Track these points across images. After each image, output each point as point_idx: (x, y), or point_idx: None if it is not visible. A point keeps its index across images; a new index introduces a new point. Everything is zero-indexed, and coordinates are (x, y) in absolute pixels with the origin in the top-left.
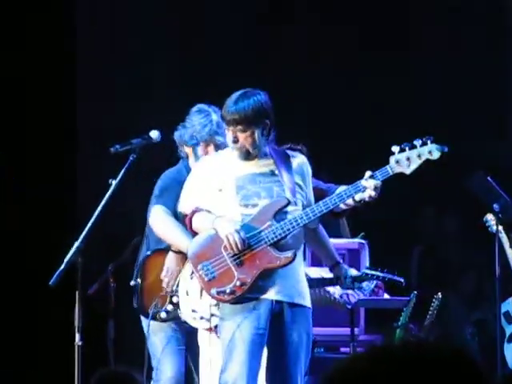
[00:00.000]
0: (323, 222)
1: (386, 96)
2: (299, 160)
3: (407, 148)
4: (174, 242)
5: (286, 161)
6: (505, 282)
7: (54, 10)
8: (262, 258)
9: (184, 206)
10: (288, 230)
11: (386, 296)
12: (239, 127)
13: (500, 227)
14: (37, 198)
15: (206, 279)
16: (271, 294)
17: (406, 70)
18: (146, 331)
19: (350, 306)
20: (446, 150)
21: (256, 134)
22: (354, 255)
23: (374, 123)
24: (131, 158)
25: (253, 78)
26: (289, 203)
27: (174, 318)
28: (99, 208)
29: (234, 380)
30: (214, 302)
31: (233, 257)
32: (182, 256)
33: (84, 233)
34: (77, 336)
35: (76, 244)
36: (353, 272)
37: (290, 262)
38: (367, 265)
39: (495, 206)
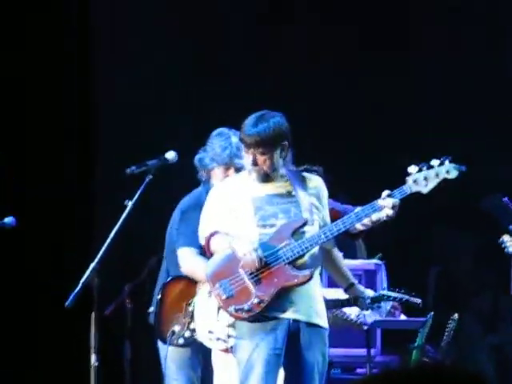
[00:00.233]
0: (340, 244)
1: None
2: (315, 182)
3: (424, 168)
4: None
5: (302, 182)
6: None
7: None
8: (279, 276)
9: (202, 232)
10: (306, 248)
11: (403, 317)
12: (259, 150)
13: None
14: (53, 222)
15: (223, 297)
16: (289, 314)
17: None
18: (162, 356)
19: (366, 327)
20: (464, 169)
21: (275, 156)
22: (370, 276)
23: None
24: (147, 179)
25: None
26: (306, 223)
27: (191, 343)
28: (115, 229)
29: None
30: (231, 322)
31: (250, 275)
32: None
33: (100, 253)
34: (93, 357)
35: (92, 265)
36: (369, 293)
37: (308, 281)
38: (385, 286)
39: (511, 227)
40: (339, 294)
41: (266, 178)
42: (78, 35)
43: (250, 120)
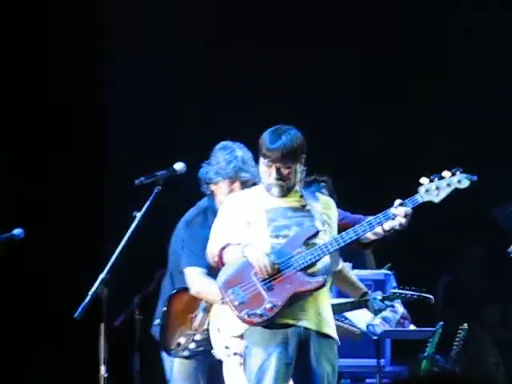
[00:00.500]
0: (349, 254)
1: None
2: (327, 202)
3: (436, 179)
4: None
5: (315, 199)
6: None
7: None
8: (292, 282)
9: (211, 247)
10: (318, 255)
11: (412, 327)
12: (285, 163)
13: None
14: (63, 233)
15: (236, 303)
16: (300, 322)
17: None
18: (167, 368)
19: (375, 337)
20: (476, 178)
21: (298, 169)
22: (379, 286)
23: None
24: (156, 190)
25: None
26: (318, 233)
27: (196, 355)
28: (124, 240)
29: None
30: (235, 333)
31: (263, 281)
32: None
33: (109, 264)
34: (102, 368)
35: (101, 276)
36: (379, 294)
37: (321, 287)
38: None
39: None
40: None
41: (288, 192)
42: (90, 47)
43: (269, 134)
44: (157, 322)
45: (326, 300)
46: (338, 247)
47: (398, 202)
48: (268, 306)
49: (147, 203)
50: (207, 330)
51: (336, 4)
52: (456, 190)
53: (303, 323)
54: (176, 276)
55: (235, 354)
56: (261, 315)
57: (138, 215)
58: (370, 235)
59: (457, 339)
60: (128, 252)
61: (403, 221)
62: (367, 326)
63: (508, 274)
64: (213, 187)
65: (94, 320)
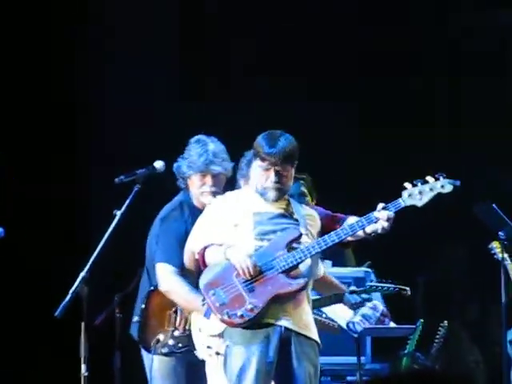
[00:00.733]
0: (329, 252)
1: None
2: (311, 212)
3: (419, 183)
4: (188, 307)
5: (300, 207)
6: (510, 310)
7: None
8: (273, 283)
9: (194, 243)
10: (300, 258)
11: (393, 324)
12: (285, 166)
13: (506, 255)
14: (43, 231)
15: (217, 304)
16: (281, 321)
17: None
18: (146, 365)
19: (356, 335)
20: (459, 183)
21: (292, 174)
22: (359, 284)
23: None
24: (136, 189)
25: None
26: (301, 235)
27: (175, 352)
28: (104, 238)
29: None
30: (213, 332)
31: (244, 283)
32: None
33: (89, 263)
34: (83, 367)
35: (82, 274)
36: (355, 288)
37: (302, 289)
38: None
39: (501, 233)
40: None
41: (282, 196)
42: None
43: (266, 138)
44: (135, 319)
45: (307, 303)
46: (320, 250)
47: (380, 205)
48: (249, 306)
49: (127, 201)
50: (188, 329)
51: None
52: (439, 194)
53: (284, 323)
54: (152, 272)
55: (217, 353)
56: (241, 316)
57: (118, 213)
58: (350, 237)
59: (437, 336)
60: (109, 250)
61: (386, 225)
62: (347, 324)
63: (488, 271)
64: (187, 181)
65: (75, 318)
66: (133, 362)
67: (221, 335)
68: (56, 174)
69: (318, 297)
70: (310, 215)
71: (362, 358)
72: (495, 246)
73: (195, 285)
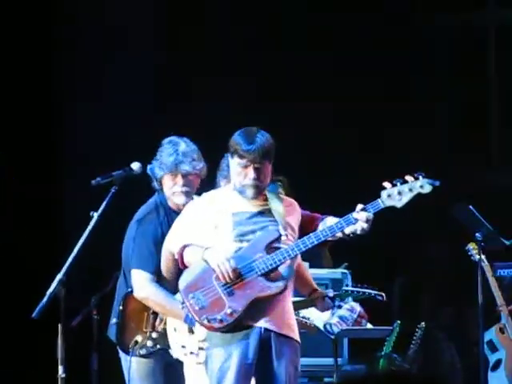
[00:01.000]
0: (306, 253)
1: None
2: (289, 201)
3: (398, 183)
4: (166, 314)
5: (279, 201)
6: (487, 311)
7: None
8: (253, 287)
9: (172, 244)
10: (279, 260)
11: (369, 326)
12: (264, 163)
13: (483, 256)
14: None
15: (196, 308)
16: (260, 322)
17: None
18: (125, 367)
19: (333, 336)
20: (438, 183)
21: (270, 169)
22: (337, 285)
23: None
24: (113, 190)
25: None
26: (280, 237)
27: (153, 353)
28: (81, 240)
29: None
30: (203, 337)
31: (224, 286)
32: None
33: (66, 265)
34: (60, 368)
35: (58, 276)
36: (330, 292)
37: (282, 292)
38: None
39: (477, 234)
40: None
41: (260, 193)
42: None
43: (243, 135)
44: (113, 321)
45: (289, 304)
46: (299, 252)
47: (359, 206)
48: (228, 311)
49: (104, 203)
50: (164, 328)
51: None
52: (419, 194)
53: (263, 324)
54: (129, 275)
55: (191, 353)
56: (221, 320)
57: (95, 215)
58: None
59: (414, 338)
60: (85, 252)
61: (365, 226)
62: (324, 326)
63: (465, 272)
64: (160, 182)
65: (52, 320)
66: (110, 364)
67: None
68: (32, 174)
69: (294, 299)
70: (289, 206)
71: (339, 360)
72: (472, 247)
73: (172, 289)
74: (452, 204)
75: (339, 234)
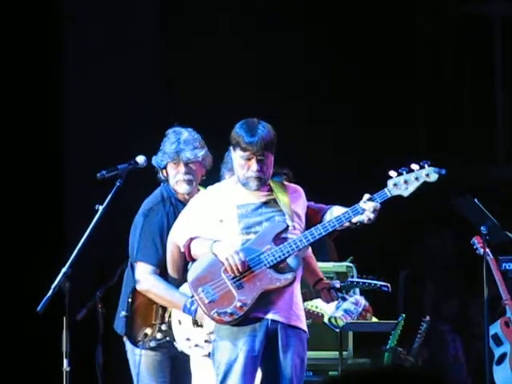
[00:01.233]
0: (312, 246)
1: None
2: (294, 187)
3: (404, 172)
4: (167, 305)
5: (283, 190)
6: (493, 305)
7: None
8: (261, 279)
9: (178, 236)
10: (288, 252)
11: (374, 319)
12: (266, 154)
13: (488, 249)
14: (24, 227)
15: (206, 301)
16: (268, 314)
17: None
18: (131, 361)
19: (338, 330)
20: (444, 172)
21: (272, 160)
22: (342, 278)
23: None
24: (118, 184)
25: None
26: (287, 228)
27: (162, 346)
28: (86, 233)
29: None
30: (211, 329)
31: (233, 279)
32: None
33: (71, 258)
34: (65, 362)
35: (63, 270)
36: (337, 283)
37: (290, 284)
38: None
39: (482, 228)
40: None
41: (263, 184)
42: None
43: (245, 128)
44: (122, 313)
45: (297, 295)
46: (307, 243)
47: (366, 196)
48: (238, 304)
49: (109, 196)
50: (170, 321)
51: None
52: (425, 183)
53: (271, 316)
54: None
55: (196, 345)
56: (231, 314)
57: (100, 208)
58: None
59: (419, 331)
60: (90, 245)
61: (372, 216)
62: (329, 319)
63: (470, 266)
64: (164, 172)
65: (57, 314)
66: (115, 357)
67: (201, 326)
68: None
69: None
70: (293, 192)
71: (344, 353)
72: (477, 241)
73: (177, 281)
74: (455, 197)
75: (346, 224)
